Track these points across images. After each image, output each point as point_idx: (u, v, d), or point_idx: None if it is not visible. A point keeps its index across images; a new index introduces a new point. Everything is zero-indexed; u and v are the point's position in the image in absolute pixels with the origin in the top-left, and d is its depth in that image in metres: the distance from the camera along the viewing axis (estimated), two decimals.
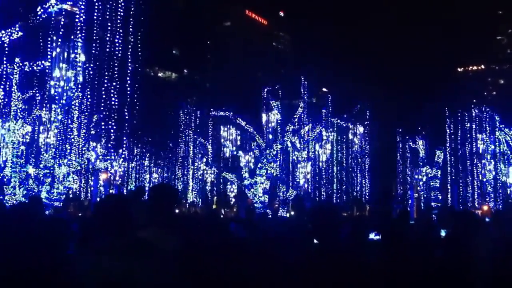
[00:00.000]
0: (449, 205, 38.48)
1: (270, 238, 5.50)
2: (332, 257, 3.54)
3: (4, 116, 17.86)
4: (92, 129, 20.30)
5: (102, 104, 18.08)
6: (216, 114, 35.49)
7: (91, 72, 18.08)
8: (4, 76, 17.52)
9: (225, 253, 4.42)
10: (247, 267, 4.48)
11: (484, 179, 37.68)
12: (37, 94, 19.04)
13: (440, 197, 41.03)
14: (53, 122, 17.52)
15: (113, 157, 33.85)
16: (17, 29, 16.58)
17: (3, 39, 16.49)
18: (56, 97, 17.31)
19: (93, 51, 17.99)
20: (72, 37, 17.51)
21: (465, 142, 39.00)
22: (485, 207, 35.94)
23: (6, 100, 17.87)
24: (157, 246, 3.54)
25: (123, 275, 3.35)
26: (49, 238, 4.17)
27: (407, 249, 5.39)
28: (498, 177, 36.63)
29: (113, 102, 17.92)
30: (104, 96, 17.94)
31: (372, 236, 7.40)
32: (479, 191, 38.91)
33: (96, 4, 17.67)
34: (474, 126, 38.34)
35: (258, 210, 24.27)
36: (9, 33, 16.53)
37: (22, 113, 18.14)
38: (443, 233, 8.76)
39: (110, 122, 18.77)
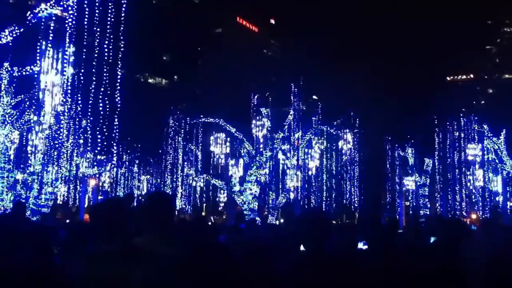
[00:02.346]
0: (438, 214, 38.67)
1: (257, 246, 5.48)
2: (319, 265, 3.53)
3: None
4: (81, 135, 20.21)
5: (91, 110, 18.01)
6: (206, 120, 35.46)
7: (81, 78, 18.03)
8: None
9: (211, 260, 4.40)
10: (234, 275, 4.46)
11: (472, 188, 37.91)
12: (26, 99, 18.93)
13: (429, 205, 41.25)
14: (42, 127, 17.43)
15: (102, 163, 33.71)
16: (6, 33, 16.50)
17: None
18: (45, 102, 17.24)
19: (83, 56, 17.95)
20: (62, 42, 17.48)
21: (454, 151, 39.23)
22: (474, 215, 36.16)
23: None
24: (152, 253, 3.53)
25: (117, 282, 3.32)
26: (33, 247, 4.14)
27: (395, 258, 5.39)
28: (486, 185, 36.86)
29: (102, 108, 17.84)
30: (93, 102, 17.87)
31: (360, 245, 7.39)
32: (467, 199, 39.14)
33: (87, 9, 17.62)
34: (462, 135, 38.58)
35: (247, 217, 24.23)
36: None
37: (10, 118, 18.03)
38: (432, 240, 8.79)
39: (99, 128, 18.70)
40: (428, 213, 39.68)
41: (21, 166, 19.22)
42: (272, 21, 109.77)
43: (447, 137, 39.89)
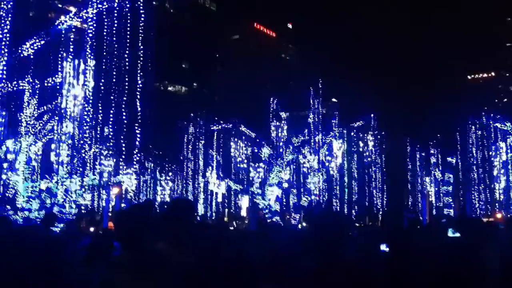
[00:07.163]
0: (460, 213, 38.19)
1: (278, 251, 5.50)
2: (336, 272, 3.52)
3: (15, 133, 18.03)
4: (103, 143, 20.44)
5: (113, 119, 18.24)
6: (226, 126, 35.59)
7: (102, 87, 18.27)
8: (16, 93, 17.73)
9: (232, 267, 4.44)
10: (254, 281, 4.49)
11: (497, 187, 37.34)
12: (49, 111, 19.20)
13: (453, 204, 40.77)
14: (65, 137, 17.67)
15: (124, 171, 33.94)
16: (27, 46, 16.81)
17: (14, 56, 16.71)
18: (68, 113, 17.49)
19: (104, 66, 18.19)
20: (82, 53, 17.74)
21: (477, 150, 38.74)
22: (499, 215, 35.60)
23: (19, 116, 18.05)
24: (171, 259, 3.58)
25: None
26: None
27: (415, 260, 5.38)
28: (510, 184, 36.27)
29: (123, 117, 18.07)
30: (115, 111, 18.11)
31: (383, 247, 7.36)
32: (490, 198, 38.58)
33: (106, 20, 17.87)
34: (485, 133, 38.08)
35: (269, 220, 24.26)
36: (20, 51, 16.76)
37: (33, 129, 18.31)
38: (450, 233, 8.74)
39: (121, 137, 18.92)
40: (451, 212, 39.25)
41: (46, 175, 19.48)
42: (290, 26, 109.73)
43: (470, 135, 39.42)
